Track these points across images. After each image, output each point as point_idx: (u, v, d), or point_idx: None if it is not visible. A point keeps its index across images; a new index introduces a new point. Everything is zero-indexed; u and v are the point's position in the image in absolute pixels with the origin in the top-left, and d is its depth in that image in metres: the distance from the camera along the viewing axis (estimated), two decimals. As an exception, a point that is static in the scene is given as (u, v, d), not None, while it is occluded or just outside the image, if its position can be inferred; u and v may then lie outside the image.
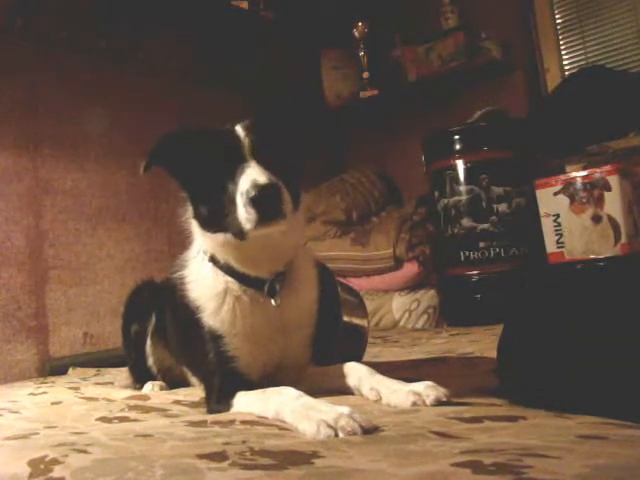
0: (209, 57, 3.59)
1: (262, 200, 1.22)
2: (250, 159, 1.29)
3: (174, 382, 1.87)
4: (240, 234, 1.29)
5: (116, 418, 1.38)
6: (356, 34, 4.07)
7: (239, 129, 1.34)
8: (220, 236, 1.36)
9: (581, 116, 3.10)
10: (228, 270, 1.41)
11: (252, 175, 1.25)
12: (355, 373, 1.35)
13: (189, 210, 1.44)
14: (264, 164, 1.28)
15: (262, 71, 3.74)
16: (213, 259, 1.43)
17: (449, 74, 3.74)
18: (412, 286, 3.44)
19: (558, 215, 2.70)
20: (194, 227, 1.44)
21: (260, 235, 1.29)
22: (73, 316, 2.88)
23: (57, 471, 0.89)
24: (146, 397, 1.69)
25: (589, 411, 1.02)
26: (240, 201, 1.25)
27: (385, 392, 1.24)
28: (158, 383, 1.87)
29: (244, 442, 0.98)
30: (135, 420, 1.34)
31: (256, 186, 1.23)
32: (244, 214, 1.24)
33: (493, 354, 1.35)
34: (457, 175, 3.21)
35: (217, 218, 1.32)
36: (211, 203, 1.34)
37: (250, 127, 1.35)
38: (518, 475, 0.71)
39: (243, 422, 1.15)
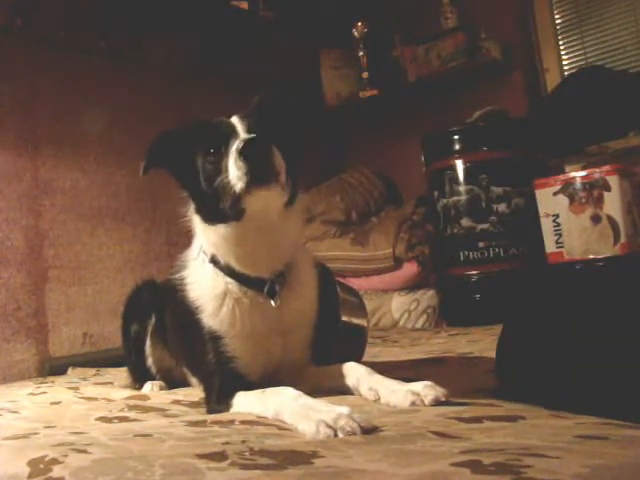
0: (209, 57, 3.59)
1: (251, 151, 1.22)
2: (243, 134, 1.31)
3: (174, 382, 1.88)
4: (235, 205, 1.28)
5: (116, 418, 1.38)
6: (356, 34, 4.07)
7: (234, 118, 1.37)
8: (220, 227, 1.35)
9: (581, 116, 3.10)
10: (228, 271, 1.41)
11: (241, 137, 1.27)
12: (354, 373, 1.35)
13: (190, 207, 1.45)
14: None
15: (262, 71, 3.74)
16: (213, 260, 1.43)
17: (449, 74, 3.74)
18: (411, 286, 3.44)
19: (557, 215, 2.70)
20: (196, 223, 1.44)
21: (257, 209, 1.28)
22: (73, 316, 2.88)
23: (56, 471, 0.89)
24: (145, 397, 1.69)
25: (589, 411, 1.02)
26: (231, 161, 1.25)
27: (384, 392, 1.24)
28: (158, 383, 1.87)
29: (244, 442, 0.98)
30: (134, 420, 1.34)
31: (244, 139, 1.24)
32: (235, 172, 1.24)
33: (492, 354, 1.35)
34: (456, 175, 3.21)
35: (217, 206, 1.32)
36: (210, 191, 1.34)
37: (245, 115, 1.37)
38: (517, 475, 0.71)
39: (243, 422, 1.15)
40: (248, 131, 1.31)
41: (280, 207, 1.33)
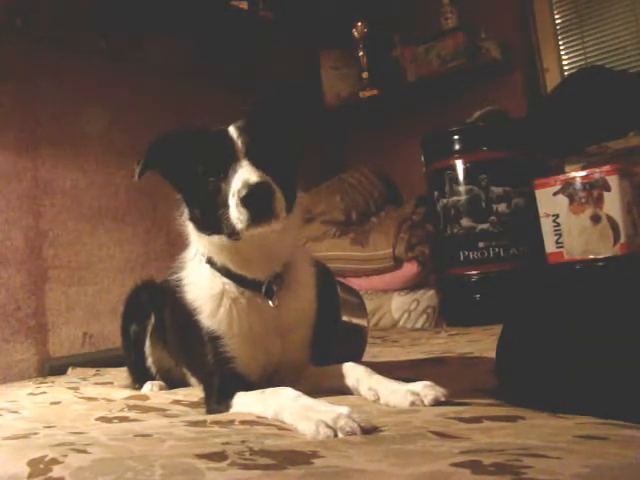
0: (209, 57, 3.59)
1: (253, 200, 1.23)
2: (243, 159, 1.29)
3: (173, 382, 1.87)
4: (233, 234, 1.29)
5: (115, 418, 1.38)
6: (356, 34, 4.07)
7: (232, 129, 1.35)
8: (215, 238, 1.36)
9: (580, 116, 3.10)
10: (225, 272, 1.41)
11: (244, 175, 1.26)
12: (353, 373, 1.35)
13: (185, 212, 1.45)
14: (257, 164, 1.28)
15: (262, 71, 3.74)
16: (210, 261, 1.43)
17: (449, 74, 3.74)
18: (411, 286, 3.44)
19: (557, 215, 2.70)
20: (190, 229, 1.45)
21: (253, 235, 1.29)
22: (72, 316, 2.88)
23: (56, 471, 0.89)
24: (145, 397, 1.69)
25: (588, 411, 1.02)
26: (232, 201, 1.25)
27: (383, 392, 1.24)
28: (157, 383, 1.87)
29: (243, 442, 0.98)
30: (134, 420, 1.34)
31: (247, 185, 1.23)
32: (236, 214, 1.25)
33: (492, 354, 1.35)
34: (456, 175, 3.21)
35: (212, 219, 1.33)
36: (205, 205, 1.34)
37: (243, 127, 1.35)
38: (517, 475, 0.71)
39: (242, 422, 1.15)
40: (247, 151, 1.30)
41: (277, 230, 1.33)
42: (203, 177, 1.33)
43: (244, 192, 1.22)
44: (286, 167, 1.33)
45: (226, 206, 1.27)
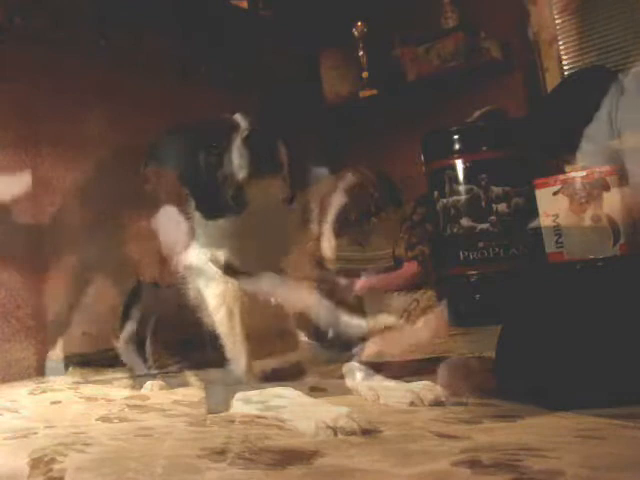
0: (209, 57, 3.59)
1: (255, 141, 1.23)
2: (246, 129, 1.31)
3: (173, 382, 1.87)
4: (237, 196, 1.29)
5: (115, 417, 1.38)
6: (355, 34, 4.07)
7: (237, 116, 1.38)
8: (221, 222, 1.36)
9: (581, 116, 3.10)
10: (227, 270, 1.42)
11: (247, 126, 1.29)
12: (354, 373, 1.36)
13: (191, 205, 1.46)
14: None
15: (262, 71, 3.74)
16: (213, 259, 1.44)
17: (449, 74, 3.74)
18: (411, 286, 3.44)
19: (557, 215, 2.70)
20: (196, 220, 1.45)
21: (257, 199, 1.29)
22: (72, 316, 2.88)
23: (56, 470, 0.89)
24: (145, 397, 1.69)
25: (588, 411, 1.02)
26: (235, 151, 1.25)
27: (383, 392, 1.25)
28: (157, 383, 1.86)
29: (243, 441, 0.98)
30: (134, 420, 1.34)
31: (249, 129, 1.25)
32: (238, 160, 1.24)
33: (492, 354, 1.35)
34: (456, 175, 3.21)
35: (218, 199, 1.33)
36: (212, 185, 1.35)
37: (248, 114, 1.38)
38: (517, 475, 0.71)
39: (242, 421, 1.15)
40: (249, 124, 1.32)
41: (281, 200, 1.34)
42: (207, 154, 1.34)
43: (246, 132, 1.23)
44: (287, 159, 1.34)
45: (229, 165, 1.27)
